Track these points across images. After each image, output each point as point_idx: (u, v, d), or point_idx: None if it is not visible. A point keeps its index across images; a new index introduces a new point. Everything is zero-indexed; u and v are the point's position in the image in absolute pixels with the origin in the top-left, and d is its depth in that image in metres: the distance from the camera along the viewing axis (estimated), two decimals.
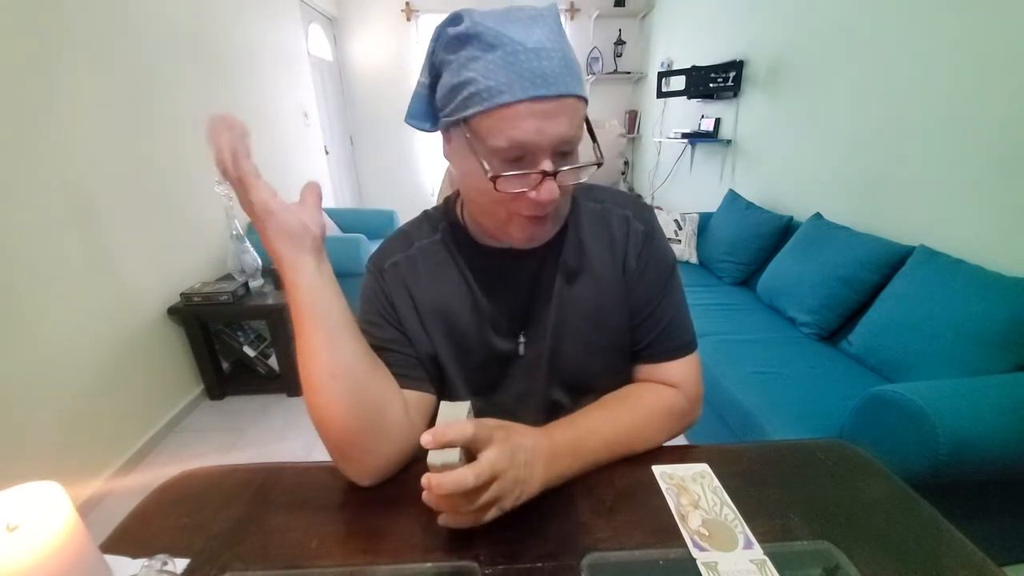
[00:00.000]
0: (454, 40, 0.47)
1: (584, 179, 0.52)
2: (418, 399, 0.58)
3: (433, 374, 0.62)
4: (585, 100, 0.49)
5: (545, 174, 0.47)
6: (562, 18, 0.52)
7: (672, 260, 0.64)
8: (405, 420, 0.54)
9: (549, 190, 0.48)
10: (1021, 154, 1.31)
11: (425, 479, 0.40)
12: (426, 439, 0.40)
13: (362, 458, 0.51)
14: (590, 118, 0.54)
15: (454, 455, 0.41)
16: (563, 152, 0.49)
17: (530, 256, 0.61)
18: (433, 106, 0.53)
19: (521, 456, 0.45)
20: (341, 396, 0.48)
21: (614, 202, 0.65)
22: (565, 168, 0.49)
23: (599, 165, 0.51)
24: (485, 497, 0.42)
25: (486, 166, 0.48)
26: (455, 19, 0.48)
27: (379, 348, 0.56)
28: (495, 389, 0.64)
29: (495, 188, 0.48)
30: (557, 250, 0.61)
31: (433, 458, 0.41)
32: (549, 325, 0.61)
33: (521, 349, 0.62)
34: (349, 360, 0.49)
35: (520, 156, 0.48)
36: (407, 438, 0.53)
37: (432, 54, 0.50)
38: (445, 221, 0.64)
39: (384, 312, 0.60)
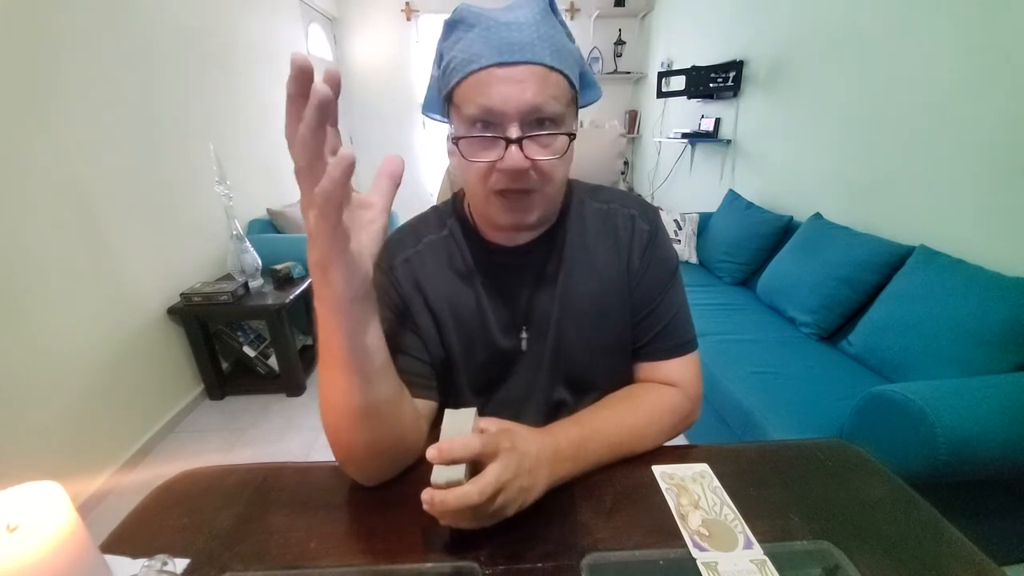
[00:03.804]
0: (448, 28, 0.51)
1: (559, 155, 0.51)
2: (426, 407, 0.58)
3: (441, 376, 0.62)
4: (565, 76, 0.50)
5: (508, 141, 0.48)
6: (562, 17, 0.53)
7: (675, 260, 0.64)
8: (419, 434, 0.54)
9: (514, 157, 0.48)
10: (1021, 154, 1.31)
11: (427, 495, 0.40)
12: (431, 454, 0.39)
13: (374, 470, 0.51)
14: (590, 118, 0.55)
15: (459, 472, 0.40)
16: (536, 123, 0.49)
17: (534, 254, 0.61)
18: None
19: (526, 464, 0.44)
20: (372, 429, 0.47)
21: (620, 202, 0.65)
22: (532, 134, 0.49)
23: (572, 136, 0.52)
24: (490, 509, 0.42)
25: (453, 130, 0.49)
26: (453, 12, 0.51)
27: (391, 350, 0.56)
28: (498, 387, 0.64)
29: (461, 154, 0.49)
30: (561, 248, 0.62)
31: (437, 476, 0.40)
32: (552, 322, 0.61)
33: (524, 345, 0.62)
34: (383, 402, 0.47)
35: (489, 123, 0.49)
36: (417, 447, 0.54)
37: (438, 46, 0.54)
38: (453, 217, 0.64)
39: (396, 311, 0.59)
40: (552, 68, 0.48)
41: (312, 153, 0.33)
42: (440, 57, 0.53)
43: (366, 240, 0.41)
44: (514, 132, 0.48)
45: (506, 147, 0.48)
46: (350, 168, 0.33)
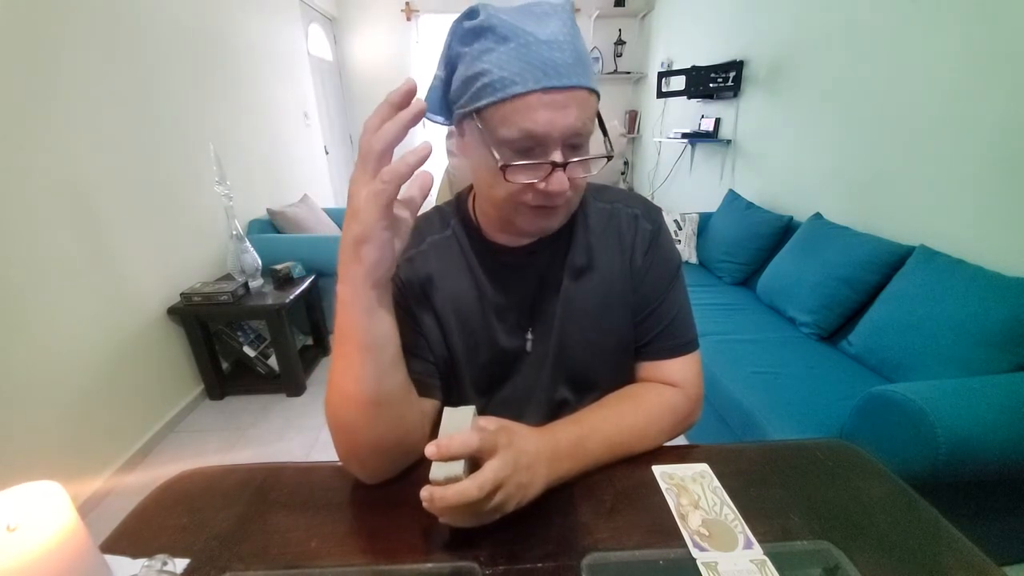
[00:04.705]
0: (469, 33, 0.48)
1: (594, 172, 0.52)
2: (430, 406, 0.58)
3: (444, 375, 0.62)
4: (596, 94, 0.50)
5: (555, 165, 0.48)
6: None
7: (677, 260, 0.65)
8: (422, 432, 0.55)
9: (559, 181, 0.48)
10: (1021, 154, 1.31)
11: (426, 492, 0.40)
12: (430, 451, 0.40)
13: (376, 467, 0.52)
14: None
15: (458, 468, 0.40)
16: (573, 144, 0.49)
17: (539, 254, 0.61)
18: (447, 99, 0.54)
19: (524, 461, 0.45)
20: (379, 422, 0.48)
21: (624, 202, 0.65)
22: (575, 160, 0.49)
23: (609, 158, 0.52)
24: (488, 506, 0.42)
25: (496, 155, 0.48)
26: (471, 13, 0.48)
27: None
28: (500, 386, 0.64)
29: (505, 178, 0.49)
30: (565, 248, 0.62)
31: (436, 473, 0.40)
32: (556, 322, 0.61)
33: (528, 346, 0.63)
34: (394, 391, 0.49)
35: (531, 147, 0.48)
36: (419, 445, 0.54)
37: (448, 47, 0.51)
38: (456, 217, 0.64)
39: (400, 309, 0.59)
40: (590, 90, 0.48)
41: (390, 144, 0.41)
42: (454, 62, 0.51)
43: (397, 234, 0.45)
44: (558, 156, 0.48)
45: (551, 171, 0.48)
46: (427, 157, 0.41)
